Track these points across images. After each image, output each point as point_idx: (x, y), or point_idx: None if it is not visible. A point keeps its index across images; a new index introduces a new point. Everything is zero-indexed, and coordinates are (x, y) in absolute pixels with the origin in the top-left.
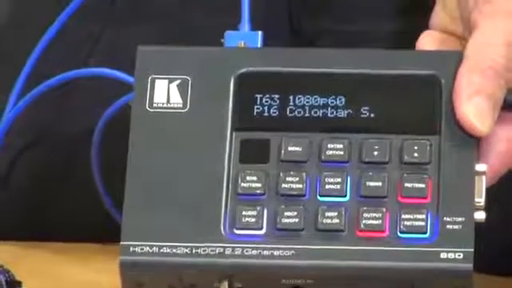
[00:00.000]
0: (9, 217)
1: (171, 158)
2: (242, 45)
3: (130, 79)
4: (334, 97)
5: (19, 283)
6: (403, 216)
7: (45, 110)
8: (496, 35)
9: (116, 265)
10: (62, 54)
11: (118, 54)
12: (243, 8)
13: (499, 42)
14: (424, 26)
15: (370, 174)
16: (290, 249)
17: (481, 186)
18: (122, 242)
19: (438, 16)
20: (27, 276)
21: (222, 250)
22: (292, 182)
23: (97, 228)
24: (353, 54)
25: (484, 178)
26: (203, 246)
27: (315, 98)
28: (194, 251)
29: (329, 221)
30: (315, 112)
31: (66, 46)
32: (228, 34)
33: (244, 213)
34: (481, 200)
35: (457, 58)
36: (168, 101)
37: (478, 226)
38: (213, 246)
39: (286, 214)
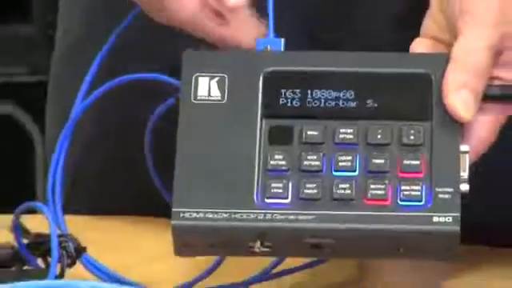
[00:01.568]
0: (84, 194)
1: (213, 140)
2: (269, 48)
3: (172, 80)
4: (344, 91)
5: (84, 248)
6: (402, 187)
7: (108, 105)
8: (477, 40)
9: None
10: (114, 61)
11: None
12: (270, 19)
13: (480, 46)
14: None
15: (375, 153)
16: (310, 214)
17: (465, 163)
18: (173, 209)
19: (428, 25)
20: (100, 246)
21: (254, 215)
22: (311, 160)
23: (147, 203)
24: (360, 55)
25: (467, 156)
26: (240, 212)
27: (329, 92)
28: (232, 216)
29: (342, 191)
30: (329, 103)
31: (120, 54)
32: (258, 40)
33: (272, 185)
34: (465, 174)
35: (444, 59)
36: (209, 94)
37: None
38: (247, 212)
39: (307, 186)
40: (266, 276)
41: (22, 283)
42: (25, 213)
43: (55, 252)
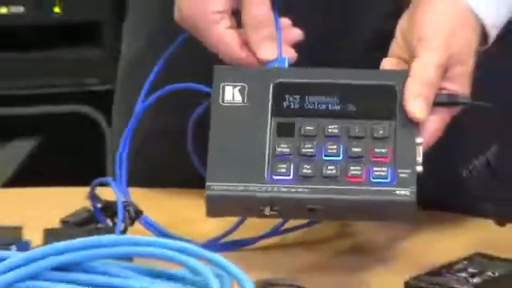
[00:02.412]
0: (141, 172)
1: (235, 132)
2: (277, 65)
3: (207, 89)
4: (331, 97)
5: (141, 212)
6: (374, 169)
7: (162, 106)
8: (429, 61)
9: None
10: (167, 72)
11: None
12: (278, 42)
13: (431, 65)
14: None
15: (354, 143)
16: (306, 187)
17: (419, 151)
18: (206, 183)
19: (393, 48)
20: (153, 210)
21: (265, 187)
22: (307, 148)
23: (187, 178)
24: (343, 71)
25: (421, 146)
26: (254, 185)
27: (320, 98)
28: (249, 188)
29: (329, 171)
30: (321, 106)
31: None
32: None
33: (279, 166)
34: (419, 159)
35: (405, 74)
36: (233, 98)
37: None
38: (260, 186)
39: (304, 166)
40: (275, 232)
41: (97, 237)
42: (98, 186)
43: (120, 214)
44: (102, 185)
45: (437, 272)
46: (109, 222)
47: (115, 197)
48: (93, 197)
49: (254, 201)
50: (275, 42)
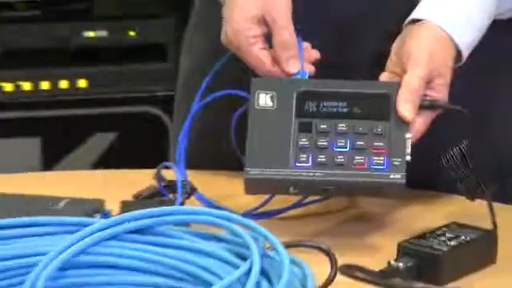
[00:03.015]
0: (196, 159)
1: (267, 130)
2: (299, 77)
3: (247, 95)
4: (341, 102)
5: (196, 188)
6: (373, 158)
7: (212, 107)
8: (415, 74)
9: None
10: (215, 81)
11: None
12: (301, 60)
13: (417, 77)
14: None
15: (358, 138)
16: (321, 172)
17: (408, 144)
18: (245, 168)
19: (389, 65)
20: (205, 187)
21: (290, 172)
22: (322, 141)
23: (229, 163)
24: (350, 82)
25: (410, 140)
26: (282, 170)
27: (332, 103)
28: (277, 172)
29: (339, 159)
30: (332, 109)
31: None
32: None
33: (300, 155)
34: (408, 150)
35: (398, 85)
36: (265, 103)
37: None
38: (286, 170)
39: (319, 156)
40: (298, 205)
41: (170, 207)
42: (162, 169)
43: (179, 190)
44: (166, 168)
45: (422, 236)
46: (171, 196)
47: (175, 177)
48: (159, 177)
49: (281, 182)
50: (298, 59)
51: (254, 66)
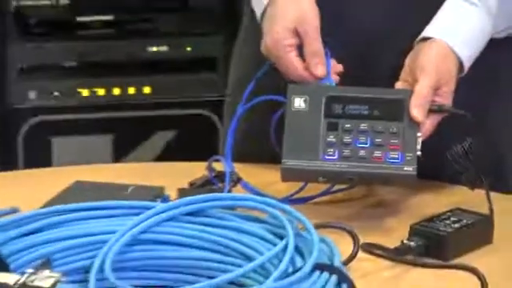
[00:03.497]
0: (242, 153)
1: (301, 128)
2: (327, 84)
3: (285, 99)
4: (363, 106)
5: (241, 178)
6: (390, 153)
7: (255, 110)
8: (425, 83)
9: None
10: (256, 89)
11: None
12: (328, 70)
13: (426, 86)
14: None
15: (377, 136)
16: (345, 164)
17: (419, 142)
18: (282, 160)
19: (403, 75)
20: (250, 176)
21: (320, 164)
22: (347, 138)
23: (269, 157)
24: (370, 89)
25: (420, 139)
26: (313, 162)
27: (355, 106)
28: (309, 164)
29: (361, 154)
30: (356, 111)
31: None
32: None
33: (328, 149)
34: (419, 147)
35: (410, 92)
36: (299, 106)
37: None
38: (316, 162)
39: (344, 150)
40: (326, 192)
41: (215, 194)
42: (213, 161)
43: (227, 179)
44: (216, 161)
45: (430, 219)
46: (220, 184)
47: (224, 168)
48: (210, 168)
49: (312, 172)
50: (325, 65)
51: (289, 71)
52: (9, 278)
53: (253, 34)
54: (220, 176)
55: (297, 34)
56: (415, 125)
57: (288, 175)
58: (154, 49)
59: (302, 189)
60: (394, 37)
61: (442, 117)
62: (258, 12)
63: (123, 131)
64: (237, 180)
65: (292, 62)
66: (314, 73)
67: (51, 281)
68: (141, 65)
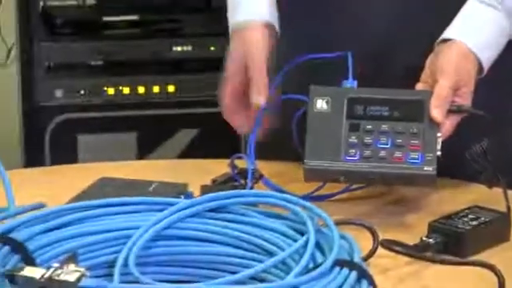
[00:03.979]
0: (264, 151)
1: (323, 129)
2: (348, 86)
3: (307, 99)
4: (383, 107)
5: (262, 175)
6: (410, 153)
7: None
8: (445, 84)
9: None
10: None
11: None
12: (350, 70)
13: (446, 87)
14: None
15: (398, 136)
16: (366, 165)
17: (439, 142)
18: (304, 160)
19: (423, 77)
20: (271, 174)
21: (341, 164)
22: (368, 139)
23: (292, 157)
24: (391, 90)
25: (440, 139)
26: (334, 163)
27: (376, 107)
28: (330, 164)
29: (382, 154)
30: (376, 113)
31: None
32: (343, 82)
33: (350, 150)
34: (439, 147)
35: (430, 93)
36: (321, 107)
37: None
38: (338, 162)
39: (365, 151)
40: (346, 190)
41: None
42: (235, 159)
43: (250, 175)
44: (238, 158)
45: (449, 217)
46: (242, 181)
47: (246, 165)
48: (232, 165)
49: (333, 172)
50: (264, 95)
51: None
52: (35, 272)
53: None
54: (242, 173)
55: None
56: (435, 125)
57: (310, 175)
58: (179, 48)
59: (322, 186)
60: (410, 38)
61: (461, 117)
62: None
63: (147, 129)
64: (259, 177)
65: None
66: (251, 100)
67: (76, 275)
68: (165, 64)
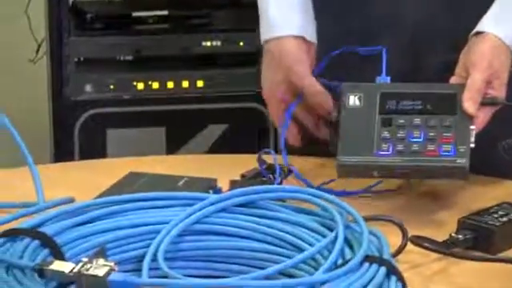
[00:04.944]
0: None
1: (356, 124)
2: (382, 82)
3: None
4: (416, 101)
5: (291, 170)
6: (443, 146)
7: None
8: (477, 77)
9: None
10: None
11: None
12: (383, 66)
13: (479, 80)
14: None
15: (430, 130)
16: (399, 159)
17: (472, 134)
18: (337, 156)
19: (457, 70)
20: (301, 168)
21: (374, 159)
22: (400, 133)
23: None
24: (423, 84)
25: (473, 131)
26: (368, 157)
27: (409, 101)
28: (364, 159)
29: (414, 148)
30: (409, 106)
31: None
32: (377, 78)
33: (382, 145)
34: (472, 139)
35: (463, 86)
36: (354, 103)
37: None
38: (371, 158)
39: (398, 145)
40: (374, 186)
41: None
42: (263, 154)
43: (278, 170)
44: (266, 153)
45: (478, 213)
46: (270, 176)
47: (273, 160)
48: (260, 160)
49: (367, 167)
50: (328, 101)
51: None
52: (64, 266)
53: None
54: (270, 168)
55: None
56: (468, 118)
57: (343, 171)
58: (208, 43)
59: (377, 183)
60: (446, 32)
61: (495, 109)
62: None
63: (176, 124)
64: (287, 172)
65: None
66: (319, 112)
67: (105, 269)
68: (194, 59)
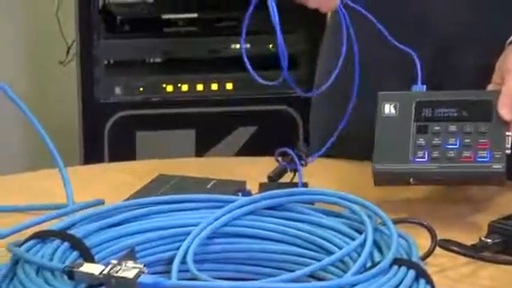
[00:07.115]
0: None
1: (392, 132)
2: (418, 90)
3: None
4: (451, 108)
5: (308, 158)
6: (478, 152)
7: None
8: None
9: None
10: None
11: None
12: (418, 76)
13: None
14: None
15: (466, 136)
16: (435, 166)
17: (508, 141)
18: (372, 164)
19: (494, 78)
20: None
21: (410, 166)
22: (436, 140)
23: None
24: (459, 92)
25: (509, 137)
26: (403, 165)
27: (444, 109)
28: (399, 167)
29: (450, 155)
30: (444, 114)
31: None
32: (413, 86)
33: (418, 152)
34: (508, 145)
35: (498, 92)
36: (389, 112)
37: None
38: (407, 165)
39: (434, 152)
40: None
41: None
42: (279, 156)
43: (300, 174)
44: (282, 154)
45: (508, 217)
46: (289, 171)
47: (296, 159)
48: (277, 161)
49: (403, 174)
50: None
51: None
52: (94, 268)
53: (335, 35)
54: (290, 160)
55: None
56: (503, 124)
57: (380, 179)
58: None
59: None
60: (481, 37)
61: None
62: None
63: (206, 126)
64: (306, 158)
65: None
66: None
67: (135, 271)
68: (224, 61)
